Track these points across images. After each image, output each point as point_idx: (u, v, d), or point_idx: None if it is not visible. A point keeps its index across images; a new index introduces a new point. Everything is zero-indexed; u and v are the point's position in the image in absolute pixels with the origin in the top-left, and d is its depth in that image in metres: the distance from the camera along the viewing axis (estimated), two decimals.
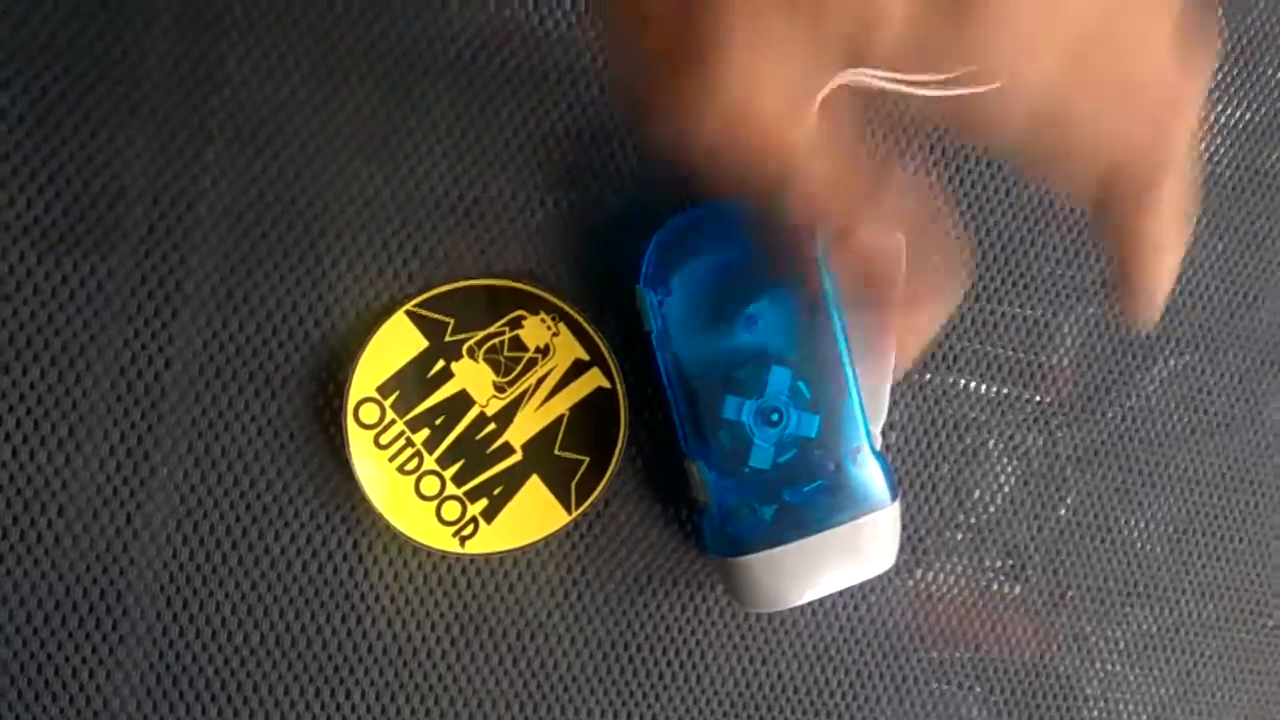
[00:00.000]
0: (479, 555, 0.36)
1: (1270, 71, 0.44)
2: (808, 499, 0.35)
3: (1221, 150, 0.44)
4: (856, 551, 0.35)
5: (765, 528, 0.35)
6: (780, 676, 0.39)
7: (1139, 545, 0.42)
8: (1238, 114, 0.44)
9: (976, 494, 0.41)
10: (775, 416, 0.35)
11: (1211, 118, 0.44)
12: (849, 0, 0.24)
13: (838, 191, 0.26)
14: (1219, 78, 0.44)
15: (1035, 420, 0.42)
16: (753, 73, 0.24)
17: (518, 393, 0.36)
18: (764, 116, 0.25)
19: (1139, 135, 0.25)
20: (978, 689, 0.41)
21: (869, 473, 0.35)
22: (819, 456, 0.35)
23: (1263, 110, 0.44)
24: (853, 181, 0.26)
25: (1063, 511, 0.42)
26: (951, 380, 0.41)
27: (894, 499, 0.36)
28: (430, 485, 0.36)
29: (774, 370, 0.35)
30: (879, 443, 0.36)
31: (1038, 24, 0.24)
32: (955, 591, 0.41)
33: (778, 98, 0.25)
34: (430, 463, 0.36)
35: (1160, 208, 0.27)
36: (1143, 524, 0.43)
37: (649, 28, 0.25)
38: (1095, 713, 0.42)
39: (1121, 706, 0.42)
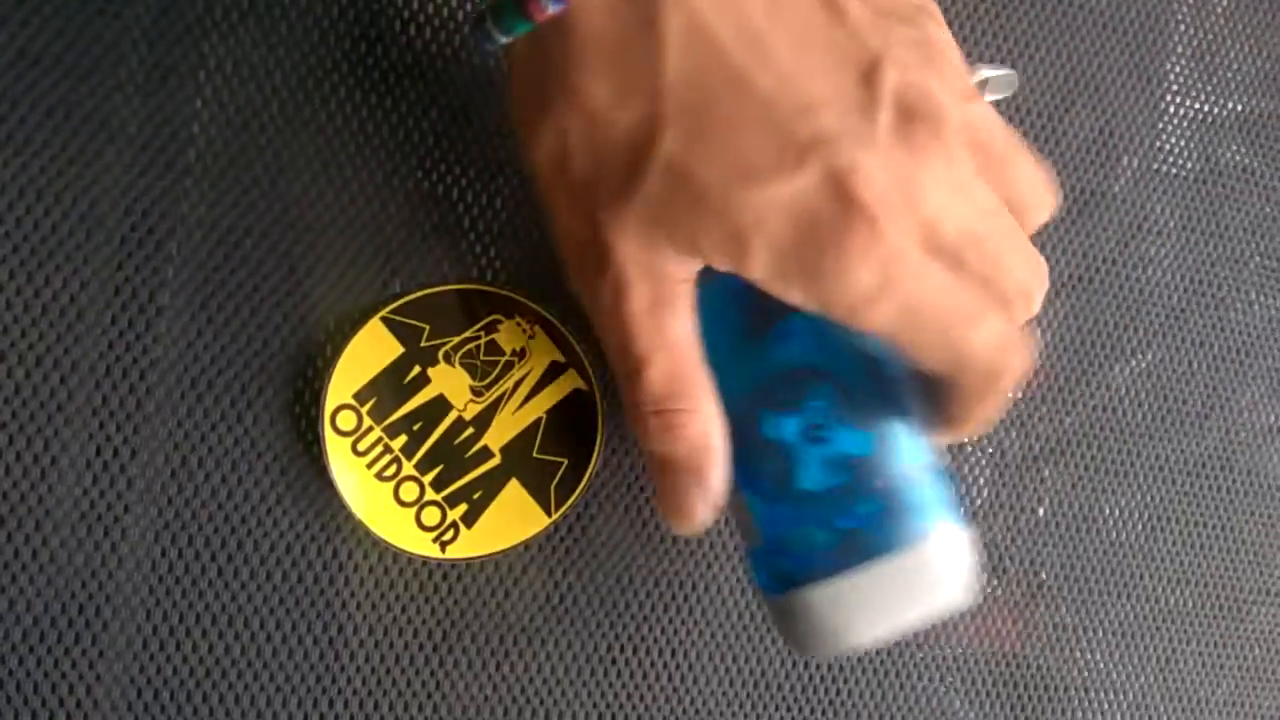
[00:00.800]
0: (460, 560, 0.36)
1: (1231, 65, 0.45)
2: (865, 523, 0.31)
3: (1181, 144, 0.44)
4: (924, 581, 0.31)
5: (822, 557, 0.31)
6: (764, 675, 0.39)
7: (1115, 536, 0.43)
8: (1196, 106, 0.45)
9: (954, 491, 0.41)
10: (820, 434, 0.32)
11: (1172, 111, 0.44)
12: (724, 224, 0.28)
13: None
14: (1180, 71, 0.45)
15: (1010, 417, 0.42)
16: (628, 274, 0.29)
17: (495, 396, 0.37)
18: (629, 317, 0.30)
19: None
20: (961, 683, 0.41)
21: (931, 494, 0.32)
22: (873, 477, 0.31)
23: (1223, 103, 0.45)
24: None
25: (1039, 507, 0.42)
26: None
27: (960, 522, 0.32)
28: (409, 491, 0.36)
29: (814, 385, 0.32)
30: (941, 460, 0.33)
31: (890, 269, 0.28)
32: None
33: (644, 302, 0.30)
34: (409, 468, 0.36)
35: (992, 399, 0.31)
36: (1117, 515, 0.43)
37: (557, 214, 0.31)
38: (1076, 702, 0.42)
39: (1102, 695, 0.42)
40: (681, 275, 0.30)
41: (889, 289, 0.28)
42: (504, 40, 0.29)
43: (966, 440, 0.41)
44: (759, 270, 0.28)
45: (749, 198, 0.27)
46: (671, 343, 0.30)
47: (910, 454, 0.32)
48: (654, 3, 0.27)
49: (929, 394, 0.32)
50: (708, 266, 0.30)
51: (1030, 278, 0.30)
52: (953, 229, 0.28)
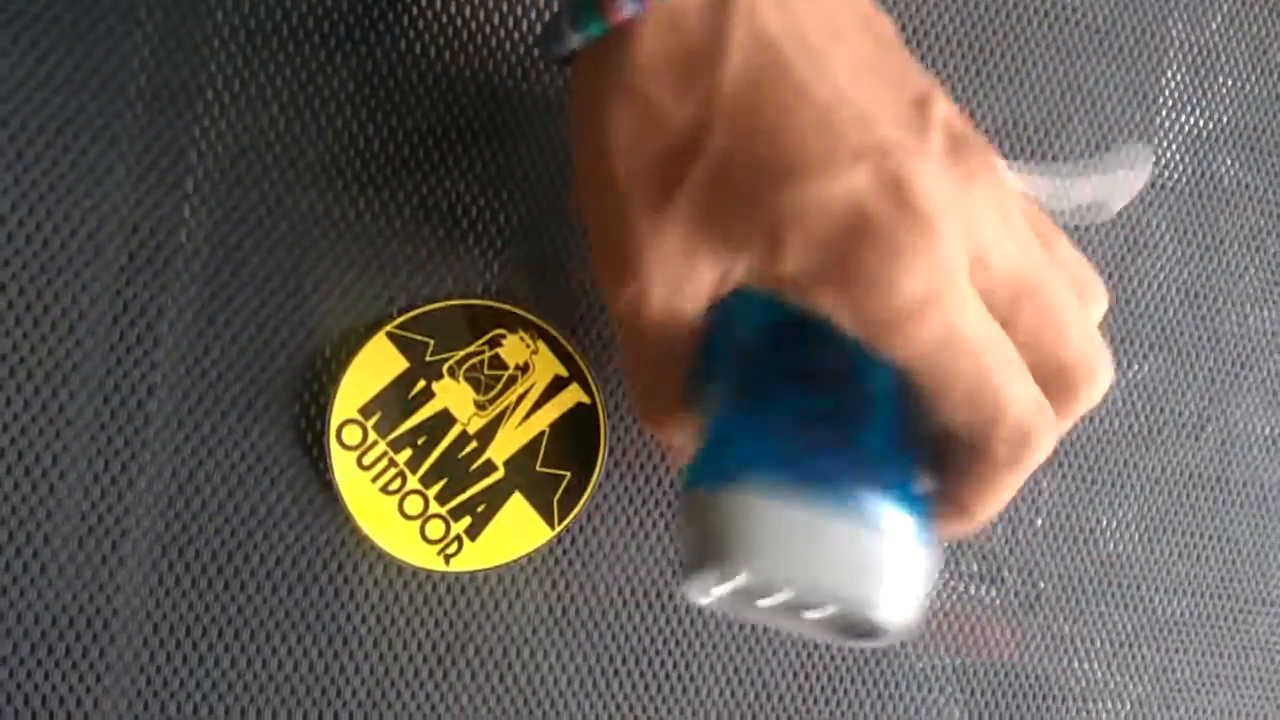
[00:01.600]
0: (464, 573, 0.37)
1: (1226, 79, 0.45)
2: (827, 471, 0.28)
3: (1177, 157, 0.45)
4: (854, 560, 0.27)
5: (764, 468, 0.27)
6: (764, 687, 0.40)
7: (1112, 547, 0.43)
8: (1192, 121, 0.45)
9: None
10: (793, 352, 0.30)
11: (1167, 125, 0.45)
12: (760, 218, 0.28)
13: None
14: (1175, 85, 0.45)
15: None
16: (654, 275, 0.29)
17: (499, 410, 0.37)
18: (650, 321, 0.29)
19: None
20: (959, 694, 0.41)
21: (894, 488, 0.28)
22: (839, 432, 0.29)
23: (1217, 117, 0.45)
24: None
25: (1037, 518, 0.43)
26: None
27: (923, 539, 0.28)
28: (414, 504, 0.36)
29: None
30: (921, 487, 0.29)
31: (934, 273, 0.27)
32: (934, 599, 0.41)
33: (667, 305, 0.29)
34: (413, 482, 0.36)
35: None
36: (1115, 525, 0.43)
37: (592, 220, 0.31)
38: (1075, 712, 0.42)
39: (1100, 705, 0.43)
40: (706, 286, 0.29)
41: (932, 306, 0.26)
42: (577, 42, 0.29)
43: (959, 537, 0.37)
44: (790, 264, 0.27)
45: (790, 193, 0.27)
46: (665, 362, 0.30)
47: (882, 445, 0.29)
48: (724, 14, 0.28)
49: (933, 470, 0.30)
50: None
51: (1089, 351, 0.28)
52: (1002, 267, 0.27)
